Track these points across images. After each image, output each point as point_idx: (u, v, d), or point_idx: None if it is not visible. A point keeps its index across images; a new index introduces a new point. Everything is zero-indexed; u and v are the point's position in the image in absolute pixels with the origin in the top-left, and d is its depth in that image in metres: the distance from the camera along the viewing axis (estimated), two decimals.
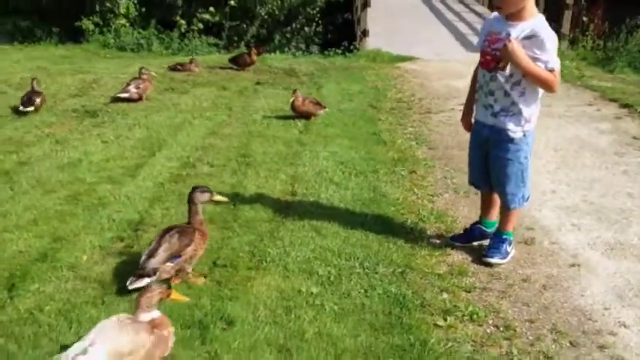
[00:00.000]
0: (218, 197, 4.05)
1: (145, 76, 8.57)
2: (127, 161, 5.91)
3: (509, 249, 4.25)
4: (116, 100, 8.18)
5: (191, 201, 3.91)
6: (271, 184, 5.40)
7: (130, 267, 3.96)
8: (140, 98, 8.27)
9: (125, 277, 3.84)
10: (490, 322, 3.59)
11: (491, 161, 4.15)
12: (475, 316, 3.60)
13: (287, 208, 4.90)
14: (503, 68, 3.88)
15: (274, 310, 3.55)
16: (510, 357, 3.29)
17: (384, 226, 4.63)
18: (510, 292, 3.89)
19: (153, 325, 2.94)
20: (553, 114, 7.75)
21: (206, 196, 3.95)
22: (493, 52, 3.90)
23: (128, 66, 11.01)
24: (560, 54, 11.16)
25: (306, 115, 7.33)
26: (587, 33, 11.90)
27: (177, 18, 16.11)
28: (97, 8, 15.76)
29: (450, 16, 16.02)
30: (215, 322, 3.39)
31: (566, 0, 11.70)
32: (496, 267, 4.15)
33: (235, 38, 16.74)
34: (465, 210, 5.00)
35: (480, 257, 4.25)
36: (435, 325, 3.52)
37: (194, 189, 3.95)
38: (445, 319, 3.57)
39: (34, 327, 3.36)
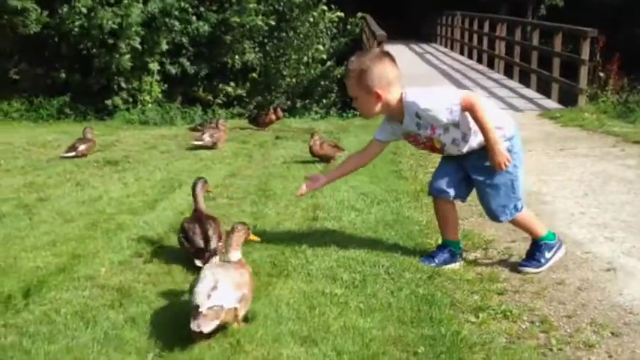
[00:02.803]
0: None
1: (222, 127, 8.84)
2: (147, 197, 5.86)
3: (547, 255, 4.05)
4: (192, 148, 8.46)
5: (196, 190, 4.30)
6: (292, 210, 5.30)
7: (149, 277, 3.87)
8: (214, 146, 8.48)
9: (145, 284, 3.76)
10: (525, 318, 3.40)
11: (475, 174, 3.99)
12: (509, 314, 3.42)
13: (308, 229, 4.79)
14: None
15: (297, 309, 3.39)
16: (549, 347, 3.10)
17: (409, 241, 4.50)
18: (545, 293, 3.71)
19: (240, 264, 3.27)
20: (577, 154, 7.66)
21: (206, 186, 4.40)
22: (427, 145, 3.96)
23: (151, 130, 11.19)
24: (579, 109, 11.28)
25: (325, 159, 7.30)
26: (606, 88, 11.92)
27: (200, 92, 16.50)
28: (124, 86, 16.17)
29: (467, 82, 16.19)
30: None
31: (582, 56, 11.81)
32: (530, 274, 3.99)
33: (255, 111, 17.03)
34: (492, 230, 4.85)
35: (513, 266, 4.09)
36: (467, 320, 3.35)
37: (197, 180, 4.35)
38: (477, 317, 3.39)
39: (50, 326, 3.25)
